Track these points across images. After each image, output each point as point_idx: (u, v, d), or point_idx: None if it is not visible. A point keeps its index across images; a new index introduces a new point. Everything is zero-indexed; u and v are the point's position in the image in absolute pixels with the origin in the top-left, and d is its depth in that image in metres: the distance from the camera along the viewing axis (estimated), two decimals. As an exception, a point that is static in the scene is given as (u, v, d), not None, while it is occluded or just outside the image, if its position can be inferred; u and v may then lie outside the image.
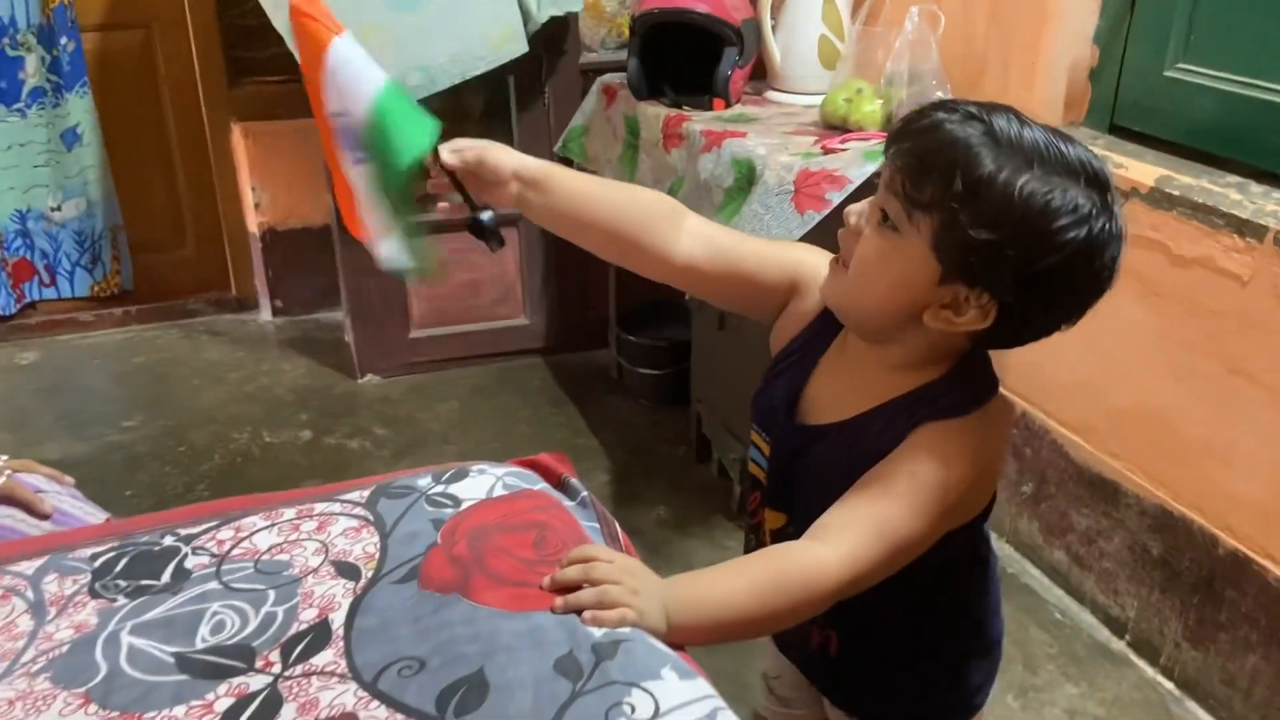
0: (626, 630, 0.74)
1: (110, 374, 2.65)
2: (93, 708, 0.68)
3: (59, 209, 2.72)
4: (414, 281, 0.79)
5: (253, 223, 2.81)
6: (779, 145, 1.76)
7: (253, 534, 0.85)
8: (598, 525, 0.91)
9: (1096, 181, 0.79)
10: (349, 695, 0.69)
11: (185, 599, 0.78)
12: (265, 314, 2.93)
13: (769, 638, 1.09)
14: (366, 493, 0.91)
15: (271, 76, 2.65)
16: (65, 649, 0.73)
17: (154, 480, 2.18)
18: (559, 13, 2.24)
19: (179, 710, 0.68)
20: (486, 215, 0.94)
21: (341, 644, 0.73)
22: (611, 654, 0.72)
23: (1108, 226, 0.78)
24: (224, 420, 2.42)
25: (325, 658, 0.72)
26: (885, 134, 1.58)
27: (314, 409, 2.50)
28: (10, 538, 1.06)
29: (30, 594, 0.79)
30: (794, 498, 0.95)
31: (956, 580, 0.96)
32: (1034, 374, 1.81)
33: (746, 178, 1.71)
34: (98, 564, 0.82)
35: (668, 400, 2.45)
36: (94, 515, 1.13)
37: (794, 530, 0.93)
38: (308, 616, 0.76)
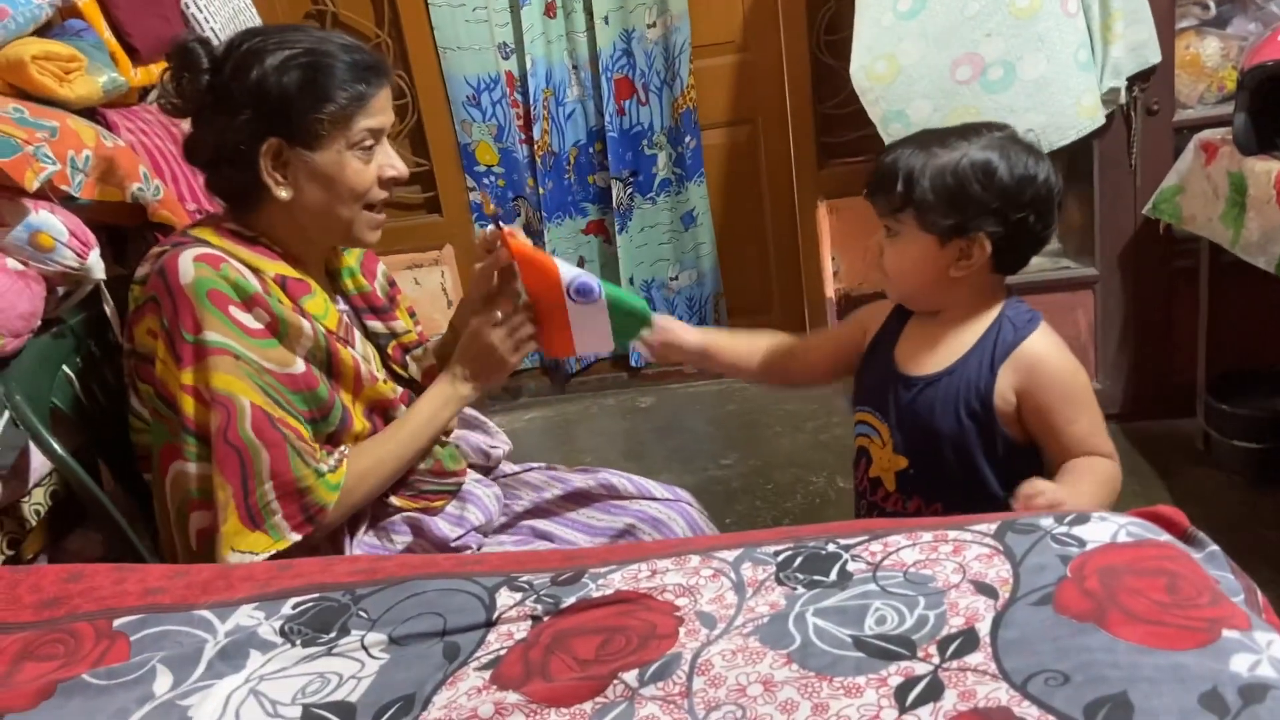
0: (1274, 676, 0.76)
1: (709, 418, 3.09)
2: (794, 666, 0.87)
3: (676, 279, 3.27)
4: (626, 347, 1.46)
5: (830, 288, 3.11)
6: None
7: (899, 550, 1.01)
8: (1231, 576, 0.92)
9: (994, 139, 1.20)
10: (1001, 692, 0.80)
11: (851, 594, 0.95)
12: (836, 371, 3.20)
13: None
14: (994, 526, 1.02)
15: (855, 157, 2.93)
16: (765, 620, 0.94)
17: (747, 511, 2.51)
18: (1138, 69, 2.21)
19: (860, 680, 0.85)
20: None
21: (989, 649, 0.85)
22: (1260, 697, 0.75)
23: (1011, 156, 1.19)
24: (803, 464, 2.71)
25: (976, 659, 0.84)
26: None
27: (882, 461, 2.68)
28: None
29: (733, 575, 1.02)
30: (910, 443, 1.30)
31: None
32: None
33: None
34: (780, 559, 1.03)
35: (1268, 478, 2.23)
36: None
37: (915, 472, 1.30)
38: (956, 623, 0.89)
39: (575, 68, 3.07)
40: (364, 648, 0.95)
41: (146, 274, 1.22)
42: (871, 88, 2.23)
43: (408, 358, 1.40)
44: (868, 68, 2.23)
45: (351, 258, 1.40)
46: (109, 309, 1.40)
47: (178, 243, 1.22)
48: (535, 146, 3.08)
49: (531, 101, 3.04)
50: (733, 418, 3.07)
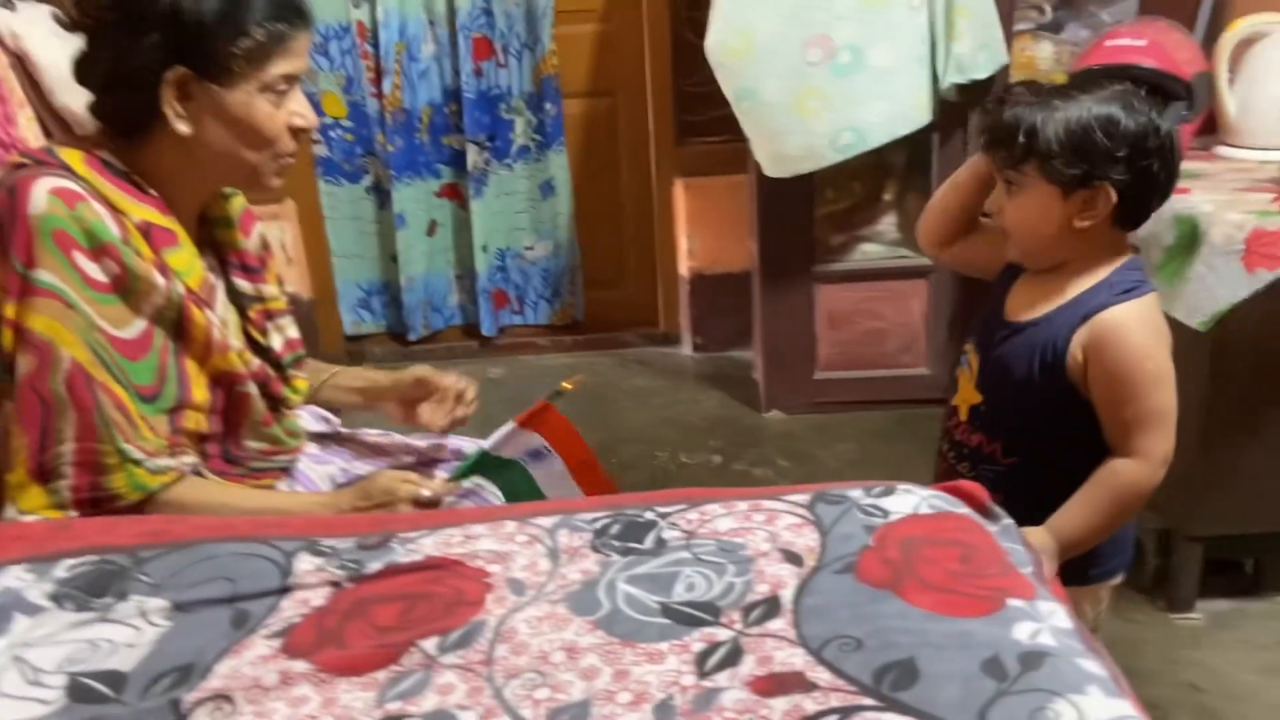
0: (1053, 644, 0.79)
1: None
2: (600, 633, 0.86)
3: (532, 249, 3.22)
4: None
5: (683, 267, 3.13)
6: (1228, 202, 1.67)
7: (715, 519, 1.01)
8: (1022, 548, 0.96)
9: (1114, 91, 1.20)
10: (798, 658, 0.81)
11: (664, 562, 0.95)
12: (686, 349, 3.23)
13: None
14: (807, 497, 1.04)
15: (712, 137, 2.94)
16: (576, 587, 0.93)
17: (590, 485, 2.50)
18: (980, 76, 2.30)
19: (663, 645, 0.84)
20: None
21: (791, 616, 0.86)
22: (1037, 664, 0.78)
23: (1134, 106, 1.19)
24: (649, 440, 2.72)
25: (777, 625, 0.85)
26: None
27: (723, 437, 2.72)
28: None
29: (549, 542, 1.00)
30: (988, 381, 1.35)
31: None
32: None
33: (1189, 236, 1.65)
34: (597, 526, 1.01)
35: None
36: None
37: (985, 409, 1.35)
38: (761, 590, 0.90)
39: (431, 23, 2.97)
40: (142, 614, 0.89)
41: None
42: (725, 63, 2.24)
43: (269, 325, 1.30)
44: (724, 42, 2.23)
45: (233, 208, 1.29)
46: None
47: (41, 160, 1.12)
48: (385, 101, 2.98)
49: (382, 54, 2.93)
50: (581, 392, 3.04)
